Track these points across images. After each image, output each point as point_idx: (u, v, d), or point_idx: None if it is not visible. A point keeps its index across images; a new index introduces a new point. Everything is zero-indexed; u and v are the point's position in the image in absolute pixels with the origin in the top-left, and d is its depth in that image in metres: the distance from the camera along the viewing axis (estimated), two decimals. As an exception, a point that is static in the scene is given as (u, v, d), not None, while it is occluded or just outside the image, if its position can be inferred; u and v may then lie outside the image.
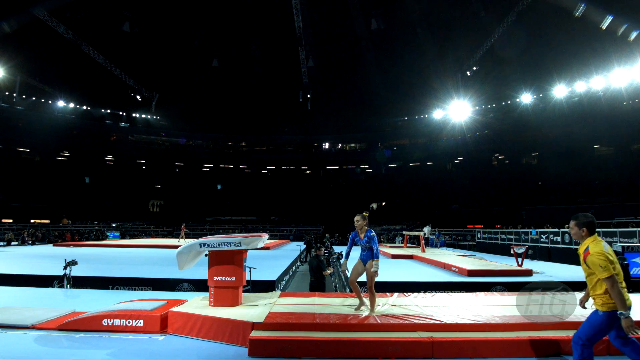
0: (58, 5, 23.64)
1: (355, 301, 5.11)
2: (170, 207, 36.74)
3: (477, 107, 32.33)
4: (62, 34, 25.23)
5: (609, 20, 19.34)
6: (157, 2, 27.14)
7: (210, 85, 35.59)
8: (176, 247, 6.23)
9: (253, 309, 4.76)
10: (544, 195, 28.24)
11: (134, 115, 39.21)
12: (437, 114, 35.27)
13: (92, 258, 12.62)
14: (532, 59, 27.27)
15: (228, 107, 39.39)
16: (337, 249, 17.42)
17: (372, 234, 4.72)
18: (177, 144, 41.92)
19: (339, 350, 3.89)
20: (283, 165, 42.88)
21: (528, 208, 27.03)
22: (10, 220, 29.37)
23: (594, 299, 3.04)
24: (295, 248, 18.48)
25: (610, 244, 11.00)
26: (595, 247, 2.98)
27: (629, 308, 2.88)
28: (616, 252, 8.23)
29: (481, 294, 6.00)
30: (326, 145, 44.00)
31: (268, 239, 6.50)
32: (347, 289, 7.53)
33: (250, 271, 6.47)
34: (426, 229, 19.91)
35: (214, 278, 4.98)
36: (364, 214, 4.82)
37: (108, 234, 28.41)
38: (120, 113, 38.92)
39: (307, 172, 43.23)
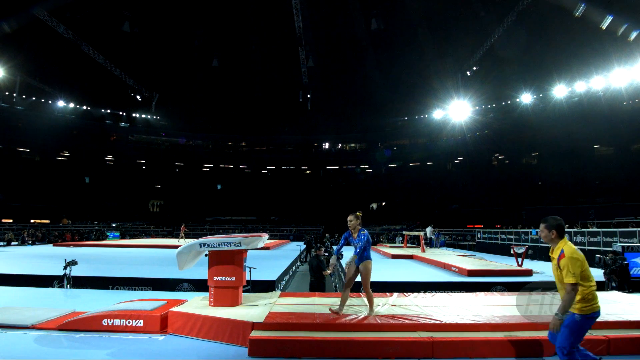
0: (58, 5, 23.60)
1: (355, 301, 5.11)
2: (170, 207, 36.75)
3: (477, 107, 32.33)
4: (62, 34, 25.19)
5: (609, 20, 19.29)
6: (157, 2, 27.11)
7: (210, 85, 35.55)
8: (176, 247, 6.23)
9: (253, 309, 4.77)
10: (544, 195, 28.24)
11: (134, 115, 39.22)
12: (437, 114, 35.27)
13: (92, 258, 12.62)
14: (532, 59, 27.23)
15: (228, 107, 39.37)
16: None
17: (365, 233, 4.65)
18: (177, 144, 41.93)
19: (339, 350, 3.89)
20: (283, 165, 42.87)
21: (528, 208, 27.03)
22: (10, 220, 29.39)
23: (576, 307, 3.03)
24: (295, 248, 18.48)
25: (610, 244, 11.01)
26: (570, 250, 3.02)
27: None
28: (616, 252, 8.25)
29: (481, 294, 6.01)
30: (326, 145, 44.00)
31: (268, 239, 6.49)
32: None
33: (250, 271, 6.47)
34: (428, 230, 19.85)
35: (214, 278, 4.98)
36: (357, 213, 4.77)
37: (108, 234, 28.41)
38: (120, 113, 38.92)
39: (307, 172, 43.23)
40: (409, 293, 5.98)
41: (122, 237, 28.28)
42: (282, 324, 4.25)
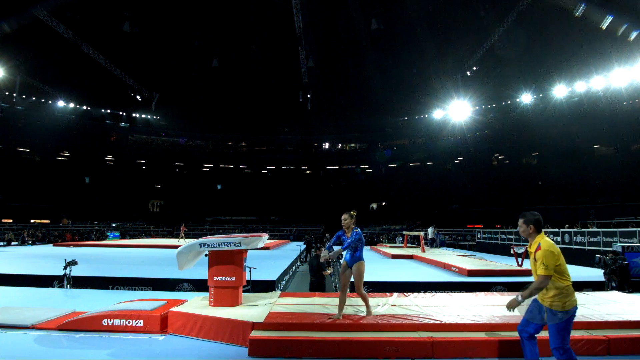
0: (58, 5, 23.60)
1: (355, 301, 5.11)
2: (170, 207, 36.75)
3: (477, 107, 32.32)
4: (62, 34, 25.19)
5: (609, 20, 19.29)
6: (157, 2, 27.12)
7: (210, 85, 35.56)
8: (176, 247, 6.23)
9: (253, 309, 4.77)
10: (544, 195, 28.24)
11: (134, 115, 39.21)
12: (437, 114, 35.26)
13: (92, 258, 12.63)
14: (532, 59, 27.23)
15: (228, 107, 39.38)
16: (337, 249, 17.39)
17: (357, 231, 4.58)
18: (177, 144, 41.93)
19: (339, 350, 3.89)
20: (283, 165, 42.87)
21: (528, 208, 26.86)
22: (10, 220, 29.38)
23: (548, 300, 3.10)
24: (295, 248, 18.48)
25: (611, 244, 11.01)
26: (547, 244, 3.10)
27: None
28: (616, 252, 8.24)
29: (481, 294, 6.01)
30: (326, 145, 44.00)
31: (268, 239, 6.50)
32: (347, 290, 7.51)
33: (250, 271, 6.47)
34: (430, 230, 19.81)
35: (214, 278, 4.98)
36: (352, 212, 4.72)
37: (108, 234, 28.42)
38: (120, 113, 38.91)
39: (307, 172, 43.23)
40: (409, 293, 5.99)
41: (122, 237, 28.29)
42: (282, 324, 4.25)
